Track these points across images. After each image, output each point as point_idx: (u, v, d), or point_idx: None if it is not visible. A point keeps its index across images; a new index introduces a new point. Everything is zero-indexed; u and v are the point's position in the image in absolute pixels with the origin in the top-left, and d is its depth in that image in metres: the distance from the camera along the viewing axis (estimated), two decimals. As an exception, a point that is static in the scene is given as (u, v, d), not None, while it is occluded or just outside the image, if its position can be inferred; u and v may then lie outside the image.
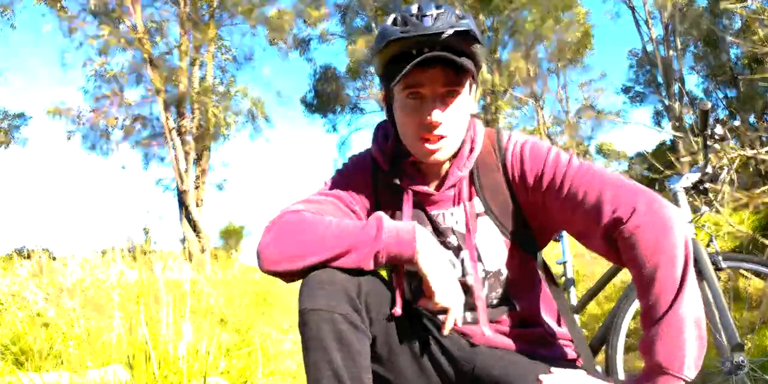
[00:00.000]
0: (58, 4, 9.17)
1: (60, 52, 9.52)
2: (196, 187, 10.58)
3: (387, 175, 1.04)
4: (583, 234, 0.94)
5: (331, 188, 1.05)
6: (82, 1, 9.37)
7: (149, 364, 1.75)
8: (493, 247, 1.00)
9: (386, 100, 1.05)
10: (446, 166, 1.03)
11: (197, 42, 10.19)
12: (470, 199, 1.01)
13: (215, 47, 10.80)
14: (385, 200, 1.04)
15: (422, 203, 1.03)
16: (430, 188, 1.03)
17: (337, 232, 0.91)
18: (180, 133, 9.98)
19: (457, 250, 1.02)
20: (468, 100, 1.00)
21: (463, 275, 1.00)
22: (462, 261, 1.01)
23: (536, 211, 0.99)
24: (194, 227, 9.78)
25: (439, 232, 1.02)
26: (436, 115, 0.93)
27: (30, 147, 12.21)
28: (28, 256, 4.22)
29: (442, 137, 0.96)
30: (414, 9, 0.94)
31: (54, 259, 4.30)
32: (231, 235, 19.21)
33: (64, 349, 2.60)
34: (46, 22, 9.37)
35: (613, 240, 0.87)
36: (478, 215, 1.01)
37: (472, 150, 1.02)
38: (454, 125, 0.97)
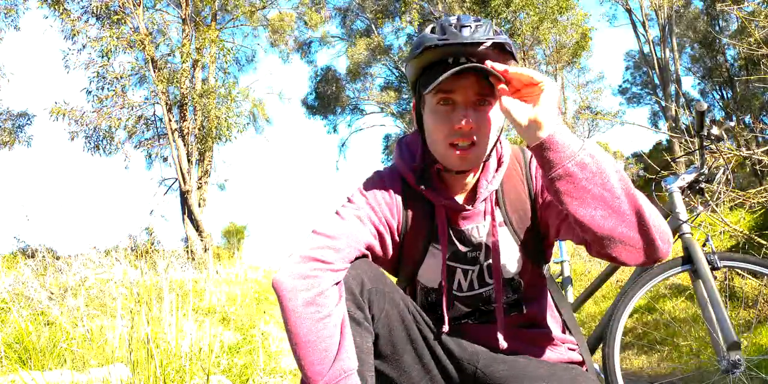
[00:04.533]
0: (61, 7, 9.20)
1: (63, 53, 9.54)
2: (199, 187, 10.62)
3: (417, 191, 1.03)
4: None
5: (355, 208, 1.01)
6: (84, 4, 9.41)
7: (151, 362, 1.76)
8: (509, 256, 1.02)
9: (416, 109, 1.04)
10: (471, 179, 1.02)
11: (199, 44, 10.22)
12: (492, 210, 1.03)
13: (217, 49, 10.82)
14: (416, 216, 1.03)
15: (453, 218, 1.03)
16: (459, 200, 1.03)
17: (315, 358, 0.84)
18: (182, 134, 10.02)
19: (483, 261, 1.03)
20: (498, 113, 0.98)
21: (483, 286, 1.03)
22: (485, 271, 1.03)
23: (550, 221, 1.00)
24: (197, 227, 9.81)
25: (468, 243, 1.02)
26: (467, 119, 0.92)
27: (34, 147, 12.19)
28: (32, 256, 4.23)
29: (471, 143, 0.94)
30: (453, 19, 0.93)
31: (58, 258, 4.30)
32: (233, 235, 19.23)
33: (67, 348, 2.61)
34: (49, 25, 9.38)
35: None
36: (498, 225, 1.02)
37: (499, 165, 1.03)
38: (483, 133, 0.95)
